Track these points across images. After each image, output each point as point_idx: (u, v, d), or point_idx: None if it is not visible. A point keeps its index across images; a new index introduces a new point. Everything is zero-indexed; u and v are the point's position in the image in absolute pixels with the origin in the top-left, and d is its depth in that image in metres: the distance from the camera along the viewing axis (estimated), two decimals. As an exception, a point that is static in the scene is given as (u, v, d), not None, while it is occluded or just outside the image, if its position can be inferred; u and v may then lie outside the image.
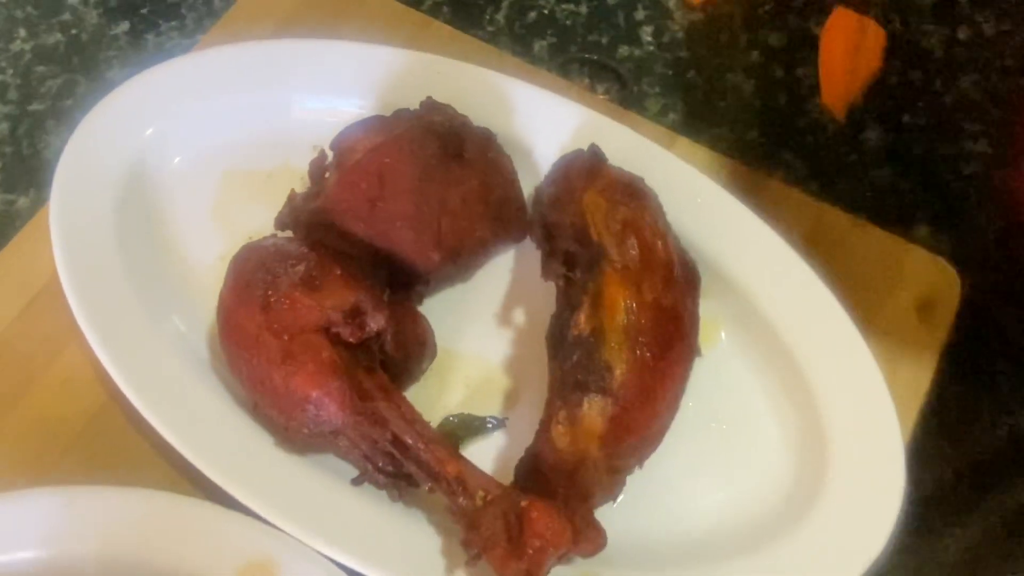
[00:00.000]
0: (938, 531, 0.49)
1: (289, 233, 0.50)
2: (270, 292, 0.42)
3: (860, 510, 0.45)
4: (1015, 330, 0.55)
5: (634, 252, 0.45)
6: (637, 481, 0.45)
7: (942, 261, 0.54)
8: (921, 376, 0.51)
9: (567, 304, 0.45)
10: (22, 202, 0.58)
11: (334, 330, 0.42)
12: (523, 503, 0.40)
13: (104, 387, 0.49)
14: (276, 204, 0.53)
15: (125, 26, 0.65)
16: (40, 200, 0.57)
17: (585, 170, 0.48)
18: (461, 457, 0.42)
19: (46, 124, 0.61)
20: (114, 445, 0.48)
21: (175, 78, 0.54)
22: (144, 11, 0.66)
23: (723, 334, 0.50)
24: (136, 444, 0.48)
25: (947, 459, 0.51)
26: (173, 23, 0.65)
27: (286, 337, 0.42)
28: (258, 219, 0.53)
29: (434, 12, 0.66)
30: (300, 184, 0.54)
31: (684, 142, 0.59)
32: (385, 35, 0.60)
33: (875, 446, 0.46)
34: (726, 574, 0.44)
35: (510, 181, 0.50)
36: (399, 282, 0.47)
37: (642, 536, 0.45)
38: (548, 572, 0.40)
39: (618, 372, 0.42)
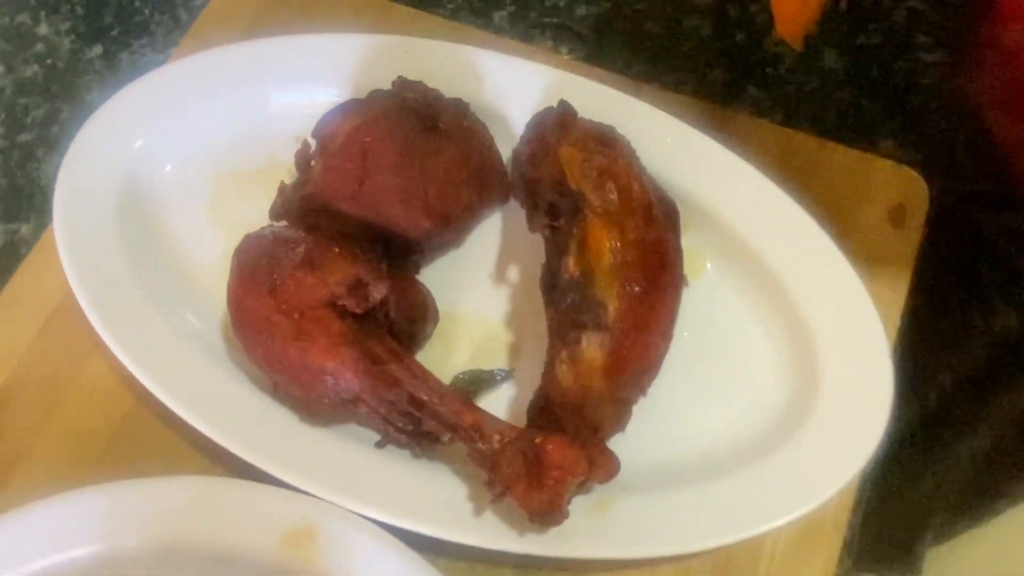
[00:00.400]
0: (947, 443, 0.51)
1: (284, 223, 0.52)
2: (275, 276, 0.45)
3: (854, 413, 0.47)
4: (991, 230, 0.57)
5: (612, 196, 0.47)
6: (643, 409, 0.48)
7: (908, 170, 0.56)
8: (900, 280, 0.53)
9: (555, 252, 0.47)
10: (24, 230, 0.60)
11: (340, 303, 0.44)
12: (537, 439, 0.42)
13: (130, 392, 0.52)
14: (268, 198, 0.56)
15: (98, 49, 0.67)
16: (41, 225, 0.59)
17: (557, 125, 0.50)
18: (475, 406, 0.45)
19: (36, 153, 0.63)
20: (147, 445, 0.51)
21: (155, 91, 0.56)
22: (114, 33, 0.68)
23: (708, 264, 0.53)
24: (168, 440, 0.50)
25: (944, 369, 0.53)
26: (144, 40, 0.67)
27: (296, 315, 0.44)
28: (253, 214, 0.55)
29: (395, -5, 0.68)
30: (288, 176, 0.56)
31: (650, 89, 0.61)
32: (350, 24, 0.62)
33: (862, 351, 0.48)
34: (733, 486, 0.47)
35: (488, 146, 0.52)
36: (395, 254, 0.49)
37: (652, 460, 0.47)
38: (568, 500, 0.43)
39: (611, 308, 0.44)
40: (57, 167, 0.61)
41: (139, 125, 0.55)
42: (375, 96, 0.51)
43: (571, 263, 0.45)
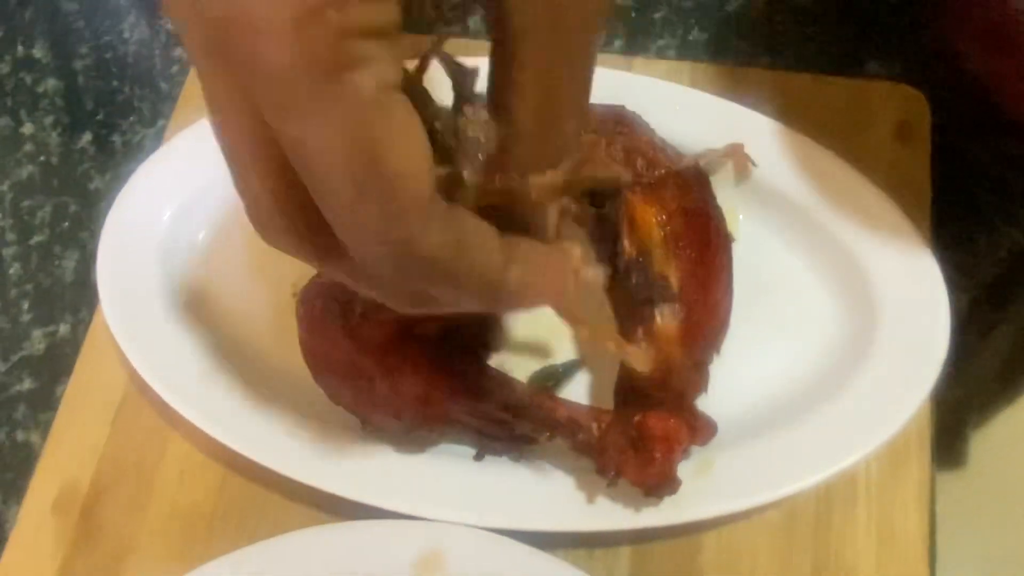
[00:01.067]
0: (968, 354, 0.53)
1: (330, 266, 0.52)
2: (347, 320, 0.46)
3: (916, 331, 0.49)
4: (984, 156, 0.59)
5: (644, 172, 0.49)
6: (716, 367, 0.49)
7: (904, 86, 0.59)
8: (923, 191, 0.55)
9: (605, 238, 0.48)
10: (63, 330, 0.60)
11: (418, 332, 0.45)
12: (636, 418, 0.44)
13: (219, 463, 0.52)
14: (302, 246, 0.57)
15: (88, 137, 0.67)
16: (79, 322, 0.60)
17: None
18: (564, 401, 0.46)
19: (54, 251, 0.63)
20: (248, 509, 0.51)
21: (171, 163, 0.57)
22: (99, 117, 0.68)
23: (740, 217, 0.54)
24: (268, 500, 0.51)
25: (959, 290, 0.55)
26: (132, 118, 0.67)
27: (378, 353, 0.45)
28: (294, 265, 0.55)
29: (367, 22, 0.68)
30: (317, 220, 0.57)
31: (639, 61, 0.62)
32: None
33: (911, 269, 0.50)
34: (819, 422, 0.49)
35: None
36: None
37: (735, 412, 0.49)
38: (677, 469, 0.45)
39: (674, 279, 0.46)
40: (78, 262, 0.62)
41: (163, 199, 0.56)
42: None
43: (627, 244, 0.46)
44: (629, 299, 0.46)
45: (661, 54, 0.65)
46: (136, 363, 0.52)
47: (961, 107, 0.59)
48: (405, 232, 0.27)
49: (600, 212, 0.48)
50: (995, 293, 0.57)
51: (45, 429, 0.55)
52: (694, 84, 0.59)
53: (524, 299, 0.32)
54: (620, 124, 0.51)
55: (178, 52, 0.69)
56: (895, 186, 0.55)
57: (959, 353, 0.50)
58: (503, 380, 0.47)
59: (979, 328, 0.55)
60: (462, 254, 0.29)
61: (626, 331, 0.46)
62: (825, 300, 0.52)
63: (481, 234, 0.30)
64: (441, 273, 0.29)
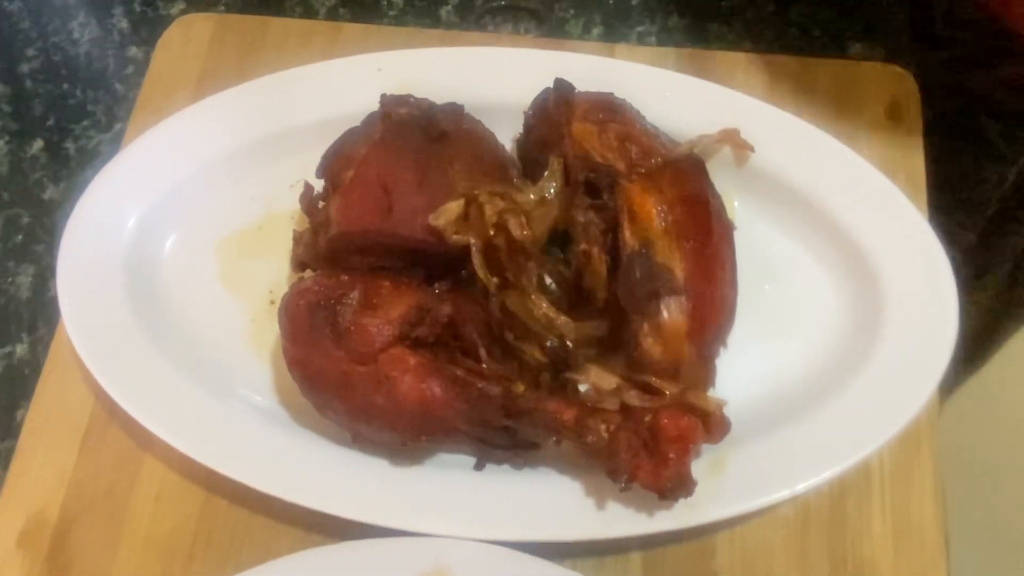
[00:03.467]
0: (965, 288, 0.51)
1: (310, 272, 0.50)
2: (337, 328, 0.43)
3: (923, 318, 0.48)
4: (984, 86, 0.58)
5: (639, 160, 0.47)
6: (721, 362, 0.48)
7: (892, 66, 0.58)
8: (916, 169, 0.54)
9: (605, 231, 0.46)
10: (20, 350, 0.56)
11: (413, 336, 0.43)
12: (648, 418, 0.42)
13: (199, 485, 0.49)
14: (278, 252, 0.54)
15: (39, 144, 0.63)
16: (37, 341, 0.56)
17: (560, 104, 0.49)
18: (572, 400, 0.44)
19: (7, 266, 0.59)
20: (232, 532, 0.48)
21: (133, 168, 0.53)
22: (51, 123, 0.64)
23: (736, 203, 0.53)
24: (253, 522, 0.48)
25: (966, 229, 0.54)
26: (85, 123, 0.63)
27: (372, 361, 0.42)
28: (266, 271, 0.53)
29: (333, 16, 0.65)
30: (291, 224, 0.54)
31: (622, 48, 0.60)
32: (301, 56, 0.59)
33: (914, 252, 0.49)
34: (830, 415, 0.47)
35: (493, 142, 0.51)
36: (436, 273, 0.48)
37: (743, 410, 0.47)
38: (691, 469, 0.43)
39: (678, 270, 0.44)
40: (34, 277, 0.58)
41: (126, 205, 0.52)
42: (371, 120, 0.49)
43: (628, 236, 0.44)
44: (632, 293, 0.44)
45: (641, 40, 0.63)
46: (103, 382, 0.48)
47: (957, 44, 0.58)
48: None
49: (595, 203, 0.45)
50: (992, 231, 0.55)
51: (6, 458, 0.51)
52: (679, 70, 0.57)
53: None
54: (611, 111, 0.49)
55: (133, 51, 0.65)
56: (889, 166, 0.53)
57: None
58: (504, 384, 0.44)
59: (967, 277, 0.53)
60: None
61: (633, 324, 0.44)
62: (829, 287, 0.51)
63: None
64: None
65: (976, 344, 0.56)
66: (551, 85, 0.51)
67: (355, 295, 0.43)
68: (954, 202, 0.49)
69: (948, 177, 0.50)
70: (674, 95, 0.53)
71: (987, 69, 0.57)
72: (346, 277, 0.45)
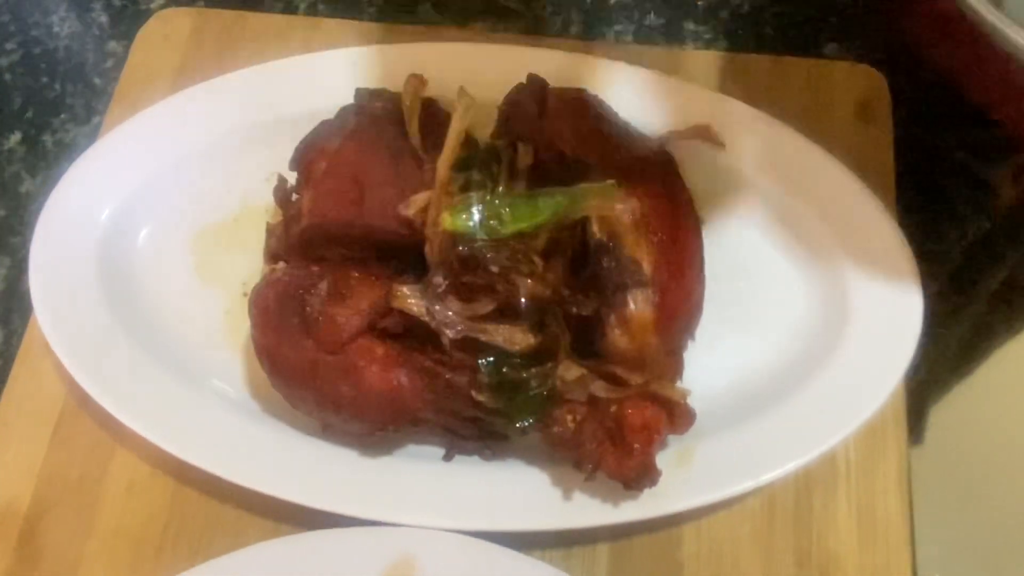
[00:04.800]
0: (941, 324, 0.52)
1: (283, 264, 0.50)
2: (306, 317, 0.43)
3: (888, 314, 0.48)
4: (948, 145, 0.59)
5: (609, 155, 0.47)
6: (689, 354, 0.48)
7: (864, 66, 0.58)
8: (885, 172, 0.55)
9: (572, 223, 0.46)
10: (-7, 341, 0.56)
11: (380, 327, 0.43)
12: (613, 408, 0.42)
13: (170, 476, 0.49)
14: (252, 244, 0.54)
15: (17, 137, 0.63)
16: (11, 332, 0.56)
17: (533, 100, 0.50)
18: (537, 393, 0.44)
19: (-17, 259, 0.59)
20: (203, 523, 0.48)
21: (108, 159, 0.53)
22: (28, 115, 0.64)
23: (706, 199, 0.53)
24: (224, 513, 0.48)
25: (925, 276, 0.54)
26: (63, 116, 0.64)
27: (340, 351, 0.42)
28: (242, 264, 0.53)
29: (313, 12, 0.66)
30: (266, 217, 0.54)
31: (598, 45, 0.61)
32: (279, 51, 0.59)
33: (881, 252, 0.50)
34: (797, 406, 0.47)
35: (468, 135, 0.51)
36: (407, 265, 0.48)
37: (711, 400, 0.48)
38: (656, 459, 0.43)
39: (646, 263, 0.44)
40: (9, 269, 0.58)
41: (100, 197, 0.53)
42: (344, 113, 0.50)
43: (595, 228, 0.44)
44: (599, 285, 0.44)
45: (619, 39, 0.64)
46: (75, 373, 0.48)
47: (922, 94, 0.59)
48: None
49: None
50: (961, 277, 0.56)
51: (-23, 448, 0.51)
52: (653, 67, 0.57)
53: None
54: (583, 107, 0.50)
55: (112, 45, 0.66)
56: (858, 165, 0.54)
57: (923, 333, 0.49)
58: (472, 374, 0.44)
59: (944, 312, 0.54)
60: None
61: (599, 316, 0.44)
62: (797, 282, 0.51)
63: None
64: None
65: (958, 358, 0.56)
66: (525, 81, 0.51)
67: (324, 286, 0.44)
68: (919, 254, 0.50)
69: (911, 231, 0.51)
70: (647, 92, 0.54)
71: (949, 130, 0.57)
72: (316, 268, 0.45)
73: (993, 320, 0.57)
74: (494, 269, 0.42)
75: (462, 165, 0.45)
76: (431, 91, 0.52)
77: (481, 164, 0.45)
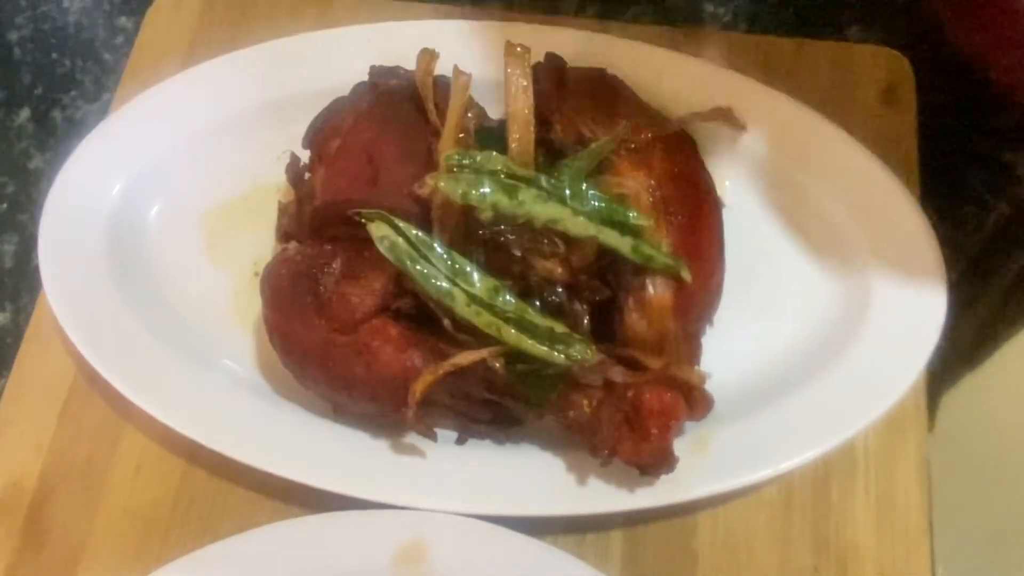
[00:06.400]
0: (956, 313, 0.51)
1: (295, 243, 0.49)
2: (319, 296, 0.42)
3: (911, 302, 0.47)
4: (972, 132, 0.58)
5: (628, 135, 0.46)
6: (707, 339, 0.47)
7: (888, 49, 0.57)
8: (909, 155, 0.54)
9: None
10: (2, 319, 0.56)
11: (393, 307, 0.42)
12: (630, 393, 0.41)
13: (179, 456, 0.49)
14: (263, 223, 0.53)
15: (26, 113, 0.62)
16: (19, 310, 0.55)
17: (553, 80, 0.49)
18: (554, 375, 0.43)
19: (-9, 235, 0.59)
20: (211, 504, 0.48)
21: (120, 135, 0.53)
22: (38, 91, 0.63)
23: (728, 183, 0.52)
24: (232, 494, 0.48)
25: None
26: (73, 92, 0.63)
27: (353, 331, 0.42)
28: (252, 243, 0.53)
29: (325, -12, 0.65)
30: (277, 196, 0.54)
31: (615, 26, 0.60)
32: (292, 26, 0.59)
33: (903, 235, 0.49)
34: (816, 394, 0.47)
35: (483, 114, 0.50)
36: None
37: (730, 386, 0.47)
38: (673, 445, 0.42)
39: (665, 246, 0.43)
40: (18, 246, 0.58)
41: (110, 174, 0.52)
42: (359, 90, 0.49)
43: (615, 211, 0.43)
44: (619, 266, 0.43)
45: (638, 19, 0.62)
46: (84, 351, 0.48)
47: (943, 79, 0.58)
48: None
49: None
50: (979, 265, 0.55)
51: (-15, 426, 0.50)
52: (674, 49, 0.56)
53: None
54: (604, 87, 0.49)
55: (122, 21, 0.65)
56: (882, 149, 0.53)
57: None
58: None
59: (962, 300, 0.53)
60: None
61: (618, 299, 0.43)
62: (818, 268, 0.50)
63: None
64: None
65: (973, 346, 0.55)
66: (543, 60, 0.50)
67: (337, 265, 0.43)
68: (939, 240, 0.49)
69: (931, 217, 0.50)
70: (667, 73, 0.53)
71: (971, 116, 0.56)
72: (329, 247, 0.44)
73: (1007, 308, 0.56)
74: (517, 253, 0.41)
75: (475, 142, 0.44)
76: (445, 69, 0.52)
77: (492, 142, 0.44)
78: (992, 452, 0.51)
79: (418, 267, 0.41)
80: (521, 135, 0.43)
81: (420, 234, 0.42)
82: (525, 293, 0.42)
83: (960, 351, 0.54)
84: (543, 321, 0.42)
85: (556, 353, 0.41)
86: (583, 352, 0.41)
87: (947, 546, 0.47)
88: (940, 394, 0.52)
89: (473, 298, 0.41)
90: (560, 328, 0.42)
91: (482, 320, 0.41)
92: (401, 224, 0.41)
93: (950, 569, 0.47)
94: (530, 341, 0.41)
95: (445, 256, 0.42)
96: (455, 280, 0.41)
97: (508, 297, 0.42)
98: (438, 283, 0.41)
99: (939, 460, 0.48)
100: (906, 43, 0.58)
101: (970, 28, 0.55)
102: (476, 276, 0.42)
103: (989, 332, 0.56)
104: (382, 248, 0.41)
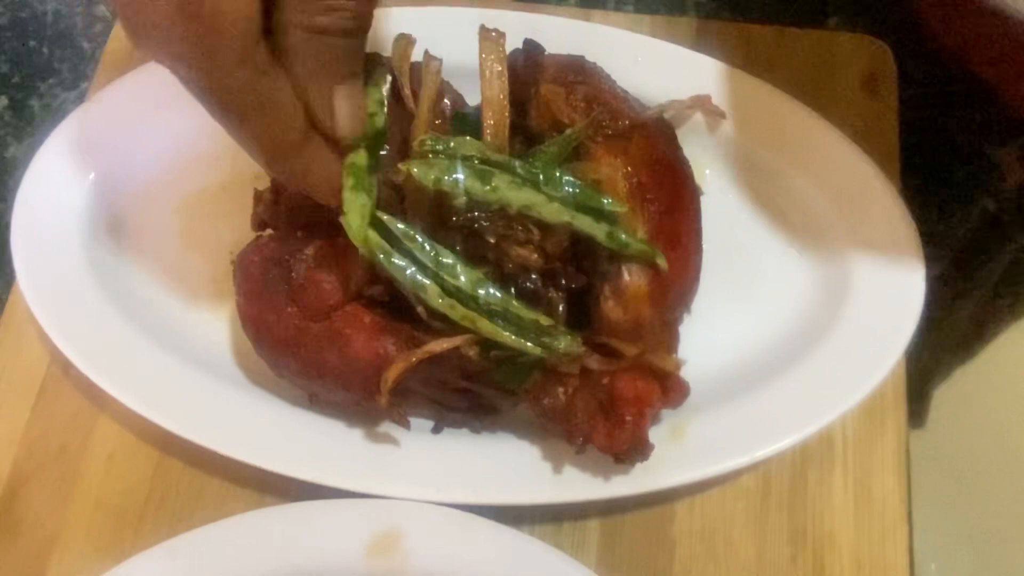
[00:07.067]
0: (945, 307, 0.51)
1: (270, 231, 0.49)
2: (292, 284, 0.42)
3: (889, 290, 0.47)
4: (955, 126, 0.57)
5: (605, 122, 0.46)
6: (685, 327, 0.47)
7: (869, 38, 0.57)
8: (890, 145, 0.54)
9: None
10: (-24, 309, 0.55)
11: (366, 295, 0.42)
12: (605, 380, 0.41)
13: (153, 446, 0.48)
14: (241, 212, 0.52)
15: (4, 101, 0.62)
16: (-7, 297, 0.55)
17: (529, 66, 0.48)
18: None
19: (-34, 224, 0.58)
20: (185, 494, 0.48)
21: (95, 121, 0.52)
22: (16, 79, 0.63)
23: (707, 172, 0.52)
24: (207, 484, 0.48)
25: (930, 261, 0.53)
26: (51, 80, 0.62)
27: (325, 319, 0.41)
28: (229, 231, 0.52)
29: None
30: (253, 183, 0.53)
31: (598, 14, 0.59)
32: (272, 15, 0.58)
33: (882, 224, 0.48)
34: (793, 382, 0.46)
35: (460, 102, 0.50)
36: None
37: (707, 375, 0.47)
38: (648, 432, 0.42)
39: (641, 233, 0.43)
40: (-7, 234, 0.57)
41: (85, 162, 0.51)
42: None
43: (590, 195, 0.43)
44: (594, 254, 0.43)
45: (619, 8, 0.62)
46: (58, 341, 0.47)
47: (926, 72, 0.57)
48: (207, 64, 0.32)
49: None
50: (966, 260, 0.55)
51: (-42, 416, 0.50)
52: (654, 35, 0.56)
53: (299, 185, 0.39)
54: (580, 73, 0.48)
55: (101, 9, 0.64)
56: (863, 137, 0.53)
57: (926, 315, 0.48)
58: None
59: (947, 295, 0.53)
60: (260, 112, 0.34)
61: (594, 287, 0.43)
62: (797, 256, 0.50)
63: (285, 109, 0.35)
64: (234, 115, 0.34)
65: (964, 341, 0.55)
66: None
67: (310, 251, 0.42)
68: (923, 235, 0.49)
69: (915, 212, 0.50)
70: (647, 60, 0.53)
71: (955, 110, 0.56)
72: (302, 234, 0.44)
73: (997, 303, 0.56)
74: (491, 239, 0.41)
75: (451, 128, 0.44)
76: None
77: (468, 128, 0.44)
78: (984, 446, 0.51)
79: (393, 259, 0.41)
80: (496, 120, 0.43)
81: (403, 226, 0.41)
82: (500, 280, 0.41)
83: (951, 345, 0.54)
84: (528, 314, 0.41)
85: (531, 344, 0.40)
86: (570, 345, 0.41)
87: (939, 541, 0.47)
88: (931, 388, 0.52)
89: (450, 291, 0.41)
90: (546, 320, 0.41)
91: (456, 313, 0.41)
92: (385, 217, 0.40)
93: (943, 565, 0.47)
94: (505, 333, 0.40)
95: (429, 248, 0.41)
96: (438, 272, 0.40)
97: (492, 290, 0.41)
98: (412, 274, 0.41)
99: (931, 455, 0.48)
100: (889, 35, 0.58)
101: (949, 23, 0.55)
102: (459, 268, 0.41)
103: (980, 326, 0.56)
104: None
